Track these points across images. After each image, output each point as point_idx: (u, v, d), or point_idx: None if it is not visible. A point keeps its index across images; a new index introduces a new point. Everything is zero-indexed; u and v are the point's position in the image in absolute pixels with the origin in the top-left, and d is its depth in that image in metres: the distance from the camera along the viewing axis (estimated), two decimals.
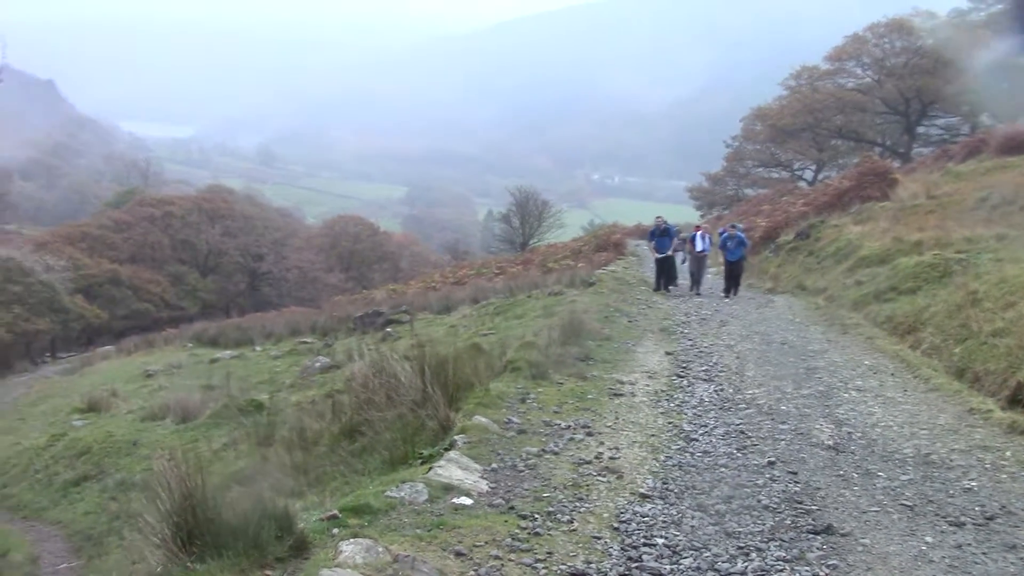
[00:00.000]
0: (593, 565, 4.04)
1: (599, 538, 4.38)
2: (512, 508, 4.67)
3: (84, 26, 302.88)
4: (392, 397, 7.32)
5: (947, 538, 4.53)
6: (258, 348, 24.74)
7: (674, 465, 5.77)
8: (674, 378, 8.78)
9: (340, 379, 12.79)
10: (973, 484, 5.37)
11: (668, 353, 10.28)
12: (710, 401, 7.76)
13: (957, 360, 8.62)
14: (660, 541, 4.40)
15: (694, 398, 7.88)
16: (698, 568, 4.10)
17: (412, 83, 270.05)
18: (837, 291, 14.86)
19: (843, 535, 4.56)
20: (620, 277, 20.11)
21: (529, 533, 4.32)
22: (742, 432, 6.66)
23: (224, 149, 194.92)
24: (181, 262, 50.40)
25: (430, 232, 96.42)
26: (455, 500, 4.68)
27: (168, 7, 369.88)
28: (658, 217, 18.78)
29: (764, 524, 4.70)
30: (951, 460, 5.88)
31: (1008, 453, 5.95)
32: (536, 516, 4.57)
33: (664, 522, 4.69)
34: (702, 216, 46.97)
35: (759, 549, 4.34)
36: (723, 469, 5.70)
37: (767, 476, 5.55)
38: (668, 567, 4.10)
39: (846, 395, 7.94)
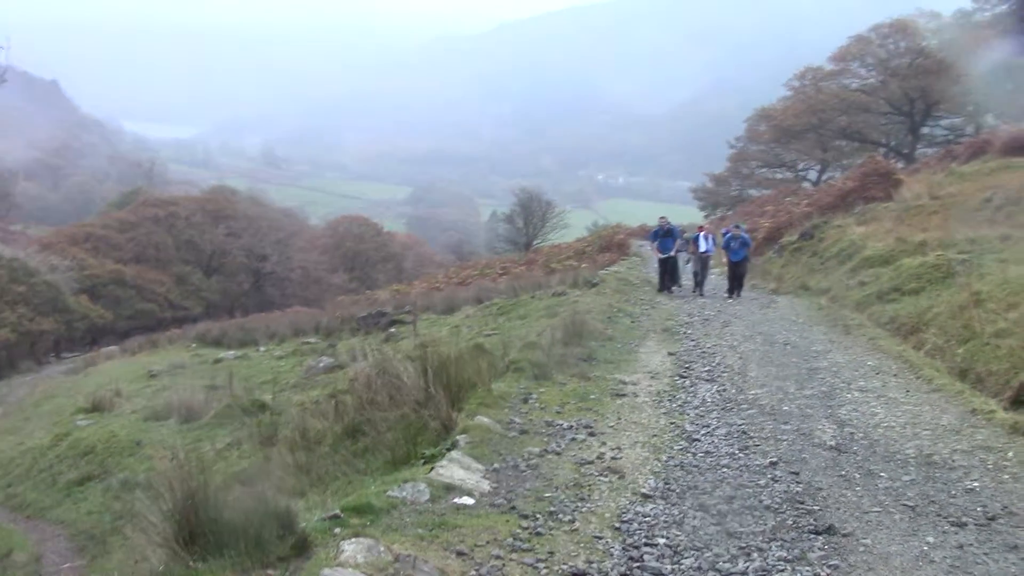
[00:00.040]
0: (594, 565, 4.05)
1: (600, 538, 4.38)
2: (514, 508, 4.67)
3: (89, 27, 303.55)
4: (395, 397, 7.36)
5: (949, 538, 4.53)
6: (262, 348, 24.78)
7: (676, 465, 5.77)
8: (676, 378, 8.77)
9: (343, 379, 12.81)
10: (975, 485, 5.36)
11: (671, 353, 10.27)
12: (712, 401, 7.75)
13: (960, 361, 8.60)
14: (661, 541, 4.41)
15: (696, 398, 7.87)
16: (699, 568, 4.10)
17: (416, 84, 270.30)
18: (840, 292, 14.84)
19: (845, 535, 4.56)
20: (623, 278, 20.11)
21: (531, 533, 4.33)
22: (744, 432, 6.65)
23: (228, 150, 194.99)
24: (185, 262, 50.51)
25: (434, 233, 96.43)
26: (457, 500, 4.68)
27: (173, 8, 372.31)
28: (662, 218, 18.77)
29: (766, 524, 4.70)
30: (953, 461, 5.87)
31: (1010, 454, 5.94)
32: (538, 516, 4.57)
33: (666, 522, 4.69)
34: (706, 217, 46.99)
35: (760, 549, 4.34)
36: (725, 469, 5.70)
37: (769, 476, 5.54)
38: (669, 567, 4.10)
39: (848, 395, 7.92)
